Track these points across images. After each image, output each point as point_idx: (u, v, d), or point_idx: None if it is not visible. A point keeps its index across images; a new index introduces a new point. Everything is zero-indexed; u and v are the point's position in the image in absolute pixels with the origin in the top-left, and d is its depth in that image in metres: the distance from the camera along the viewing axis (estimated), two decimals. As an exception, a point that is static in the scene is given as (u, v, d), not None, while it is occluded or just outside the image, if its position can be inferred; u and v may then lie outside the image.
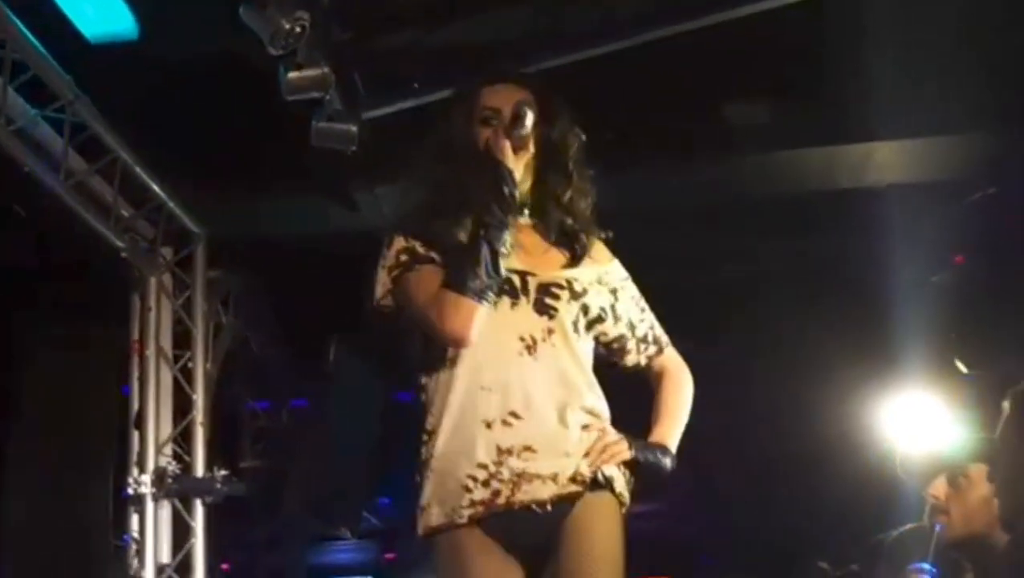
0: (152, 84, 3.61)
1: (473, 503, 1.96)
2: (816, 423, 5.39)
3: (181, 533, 4.26)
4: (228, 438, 5.07)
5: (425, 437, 2.05)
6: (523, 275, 2.06)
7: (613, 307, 2.15)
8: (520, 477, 1.96)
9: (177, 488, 4.22)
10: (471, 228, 2.02)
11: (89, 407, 4.63)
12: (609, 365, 2.19)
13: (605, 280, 2.16)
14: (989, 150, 4.34)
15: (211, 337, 4.54)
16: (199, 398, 4.38)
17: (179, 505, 4.26)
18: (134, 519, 4.20)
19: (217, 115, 3.76)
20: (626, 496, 2.06)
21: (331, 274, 4.12)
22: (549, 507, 1.96)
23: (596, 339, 2.15)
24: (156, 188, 4.14)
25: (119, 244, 4.04)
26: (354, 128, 3.69)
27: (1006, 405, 2.65)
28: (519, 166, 2.07)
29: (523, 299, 2.04)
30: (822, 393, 5.28)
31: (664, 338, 2.23)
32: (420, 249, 2.05)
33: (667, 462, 2.11)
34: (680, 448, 2.16)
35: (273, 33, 3.12)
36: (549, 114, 2.12)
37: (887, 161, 4.39)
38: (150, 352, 4.31)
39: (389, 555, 7.73)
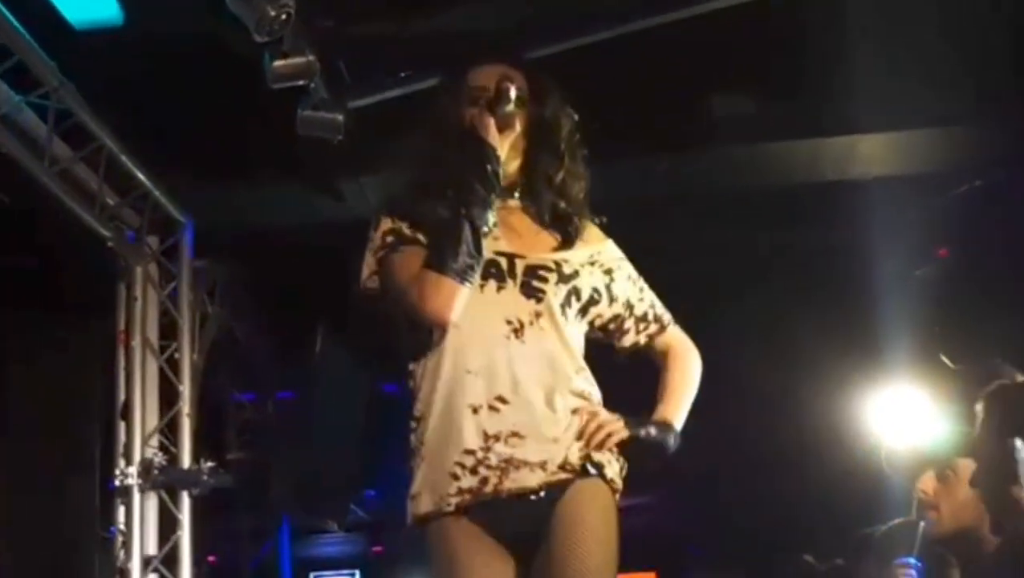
0: (137, 71, 3.60)
1: (461, 491, 1.95)
2: (801, 416, 5.41)
3: (168, 525, 4.24)
4: (214, 430, 5.06)
5: (414, 424, 2.04)
6: (511, 258, 2.04)
7: (608, 287, 2.12)
8: (508, 463, 1.94)
9: (164, 480, 4.20)
10: (453, 207, 2.00)
11: (74, 398, 4.61)
12: (608, 348, 2.16)
13: (599, 260, 2.13)
14: (973, 143, 4.37)
15: (197, 328, 4.53)
16: (185, 389, 4.36)
17: (166, 497, 4.25)
18: (120, 511, 4.19)
19: (203, 103, 3.75)
20: (618, 482, 2.02)
21: (317, 264, 4.13)
22: (541, 494, 1.94)
23: (591, 324, 2.12)
24: (141, 176, 4.12)
25: (104, 233, 4.02)
26: (340, 117, 3.69)
27: (979, 408, 2.67)
28: (504, 145, 2.05)
29: (510, 282, 2.02)
30: (808, 386, 5.30)
31: (667, 316, 2.20)
32: (406, 230, 2.04)
33: (670, 440, 2.07)
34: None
35: (258, 20, 3.12)
36: (540, 94, 2.11)
37: (872, 154, 4.41)
38: (136, 343, 4.29)
39: (376, 548, 7.73)
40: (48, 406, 4.58)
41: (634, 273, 2.19)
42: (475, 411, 1.96)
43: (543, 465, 1.95)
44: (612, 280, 2.14)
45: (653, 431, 2.05)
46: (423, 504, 1.98)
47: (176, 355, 4.39)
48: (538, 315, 2.01)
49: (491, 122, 2.04)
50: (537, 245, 2.09)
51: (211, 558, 5.64)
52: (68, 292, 4.49)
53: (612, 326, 2.16)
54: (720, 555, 6.66)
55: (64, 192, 3.74)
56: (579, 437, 1.98)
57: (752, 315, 5.07)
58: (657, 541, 6.55)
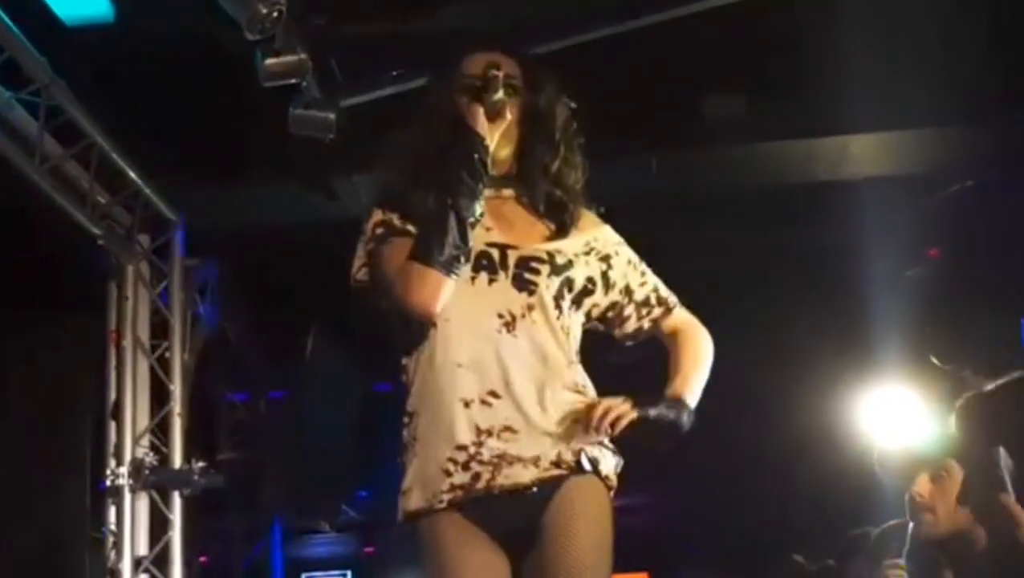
0: (129, 68, 3.59)
1: (453, 487, 1.92)
2: (793, 416, 5.42)
3: (159, 525, 4.23)
4: (205, 430, 5.05)
5: (406, 419, 2.01)
6: (503, 249, 2.00)
7: (605, 274, 2.08)
8: (501, 459, 1.91)
9: (155, 480, 4.19)
10: (440, 197, 1.97)
11: (65, 398, 4.59)
12: (611, 338, 2.11)
13: (595, 247, 2.08)
14: (964, 144, 4.39)
15: (188, 327, 4.52)
16: (177, 389, 4.35)
17: (157, 497, 4.24)
18: (111, 511, 4.18)
19: (195, 101, 3.75)
20: (613, 479, 1.99)
21: (310, 263, 4.12)
22: (534, 490, 1.91)
23: (588, 314, 2.08)
24: (132, 174, 4.11)
25: (95, 231, 4.01)
26: (332, 116, 3.68)
27: (952, 421, 2.68)
28: (494, 134, 2.01)
29: (502, 274, 1.98)
30: (799, 386, 5.31)
31: (672, 298, 2.14)
32: (396, 221, 2.01)
33: (684, 417, 1.97)
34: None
35: (250, 18, 3.11)
36: (535, 83, 2.07)
37: (863, 154, 4.43)
38: (127, 342, 4.28)
39: (369, 549, 7.71)
40: (39, 406, 4.57)
41: (635, 257, 2.13)
42: (467, 405, 1.93)
43: (536, 461, 1.92)
44: (609, 266, 2.09)
45: (665, 409, 1.97)
46: (414, 500, 1.96)
47: (167, 354, 4.38)
48: (530, 308, 1.97)
49: (480, 110, 2.00)
50: (531, 235, 2.05)
51: (203, 558, 5.63)
52: (60, 291, 4.48)
53: (611, 314, 2.11)
54: (712, 555, 6.66)
55: (55, 189, 3.73)
56: (585, 426, 1.92)
57: (743, 315, 5.07)
58: (649, 542, 6.55)
